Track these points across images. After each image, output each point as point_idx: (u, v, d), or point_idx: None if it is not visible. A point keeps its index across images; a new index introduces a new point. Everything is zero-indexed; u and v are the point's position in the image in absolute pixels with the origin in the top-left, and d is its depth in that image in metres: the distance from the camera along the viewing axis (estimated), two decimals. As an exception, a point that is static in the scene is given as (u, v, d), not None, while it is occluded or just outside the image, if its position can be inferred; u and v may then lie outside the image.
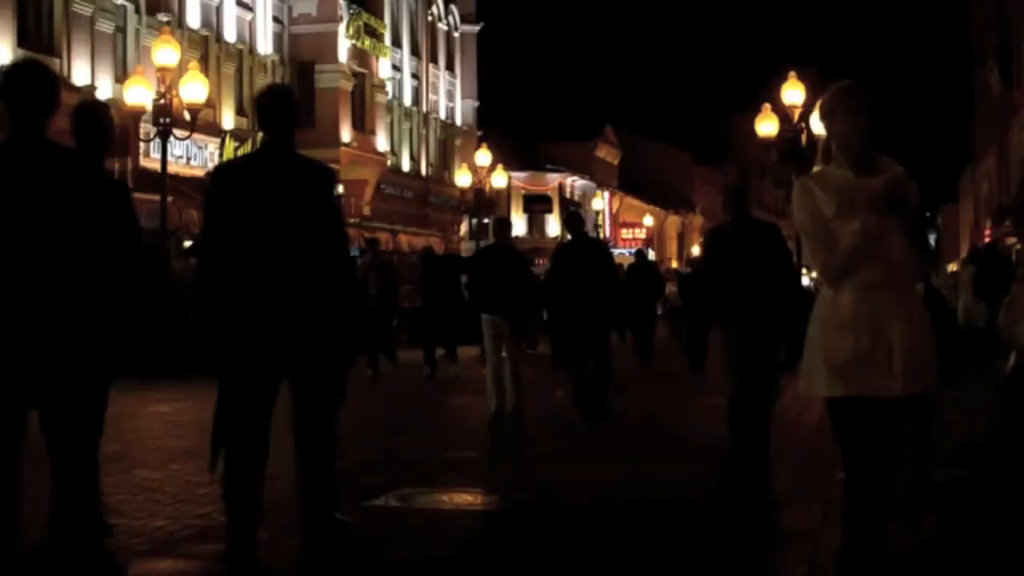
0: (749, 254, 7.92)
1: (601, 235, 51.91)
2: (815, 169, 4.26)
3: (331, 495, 5.31)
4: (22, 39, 22.58)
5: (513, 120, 55.36)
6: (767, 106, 23.11)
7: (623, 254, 40.69)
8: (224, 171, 5.49)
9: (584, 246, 11.26)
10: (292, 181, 5.07)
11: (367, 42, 35.88)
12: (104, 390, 4.81)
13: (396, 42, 40.32)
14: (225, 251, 5.00)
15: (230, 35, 30.81)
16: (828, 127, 4.14)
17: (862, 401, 3.99)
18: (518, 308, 11.16)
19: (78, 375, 4.06)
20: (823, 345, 4.05)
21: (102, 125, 5.28)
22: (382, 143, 38.11)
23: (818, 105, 4.22)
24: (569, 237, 11.65)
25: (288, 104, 5.22)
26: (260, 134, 5.49)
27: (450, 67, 46.15)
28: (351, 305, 5.34)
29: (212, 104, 27.33)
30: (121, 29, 26.20)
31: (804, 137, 21.99)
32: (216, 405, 5.15)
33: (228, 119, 30.17)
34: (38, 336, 3.97)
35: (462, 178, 35.30)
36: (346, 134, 34.64)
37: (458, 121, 46.50)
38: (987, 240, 30.67)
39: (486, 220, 36.83)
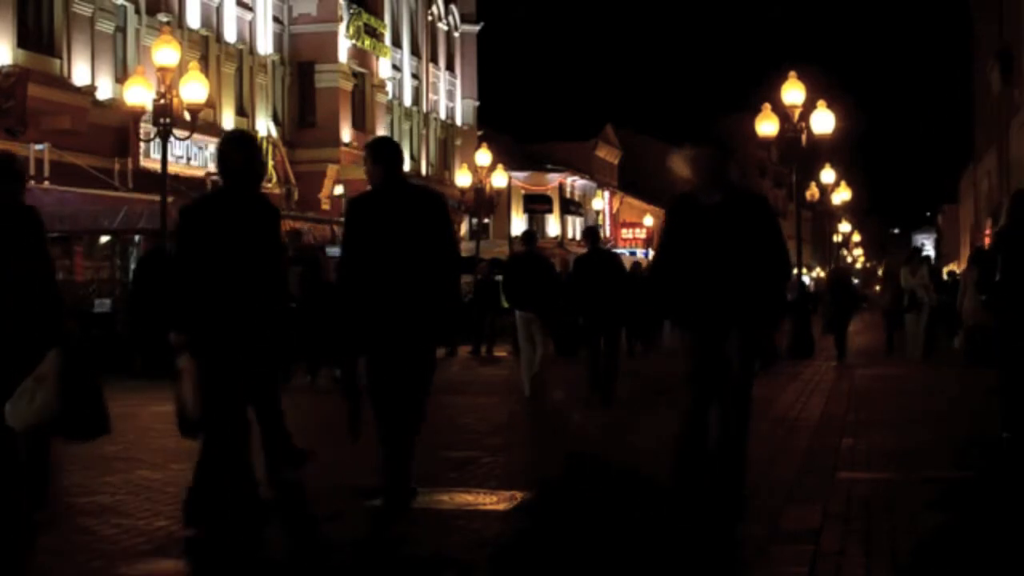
0: (729, 234, 6.26)
1: (601, 235, 51.96)
2: None
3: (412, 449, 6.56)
4: (22, 39, 22.59)
5: (513, 120, 55.47)
6: (767, 106, 23.09)
7: (624, 254, 40.68)
8: (359, 200, 6.81)
9: (598, 257, 12.89)
10: (410, 206, 6.45)
11: (367, 42, 35.88)
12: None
13: (396, 42, 40.32)
14: (362, 262, 6.33)
15: (230, 35, 30.80)
16: None
17: None
18: (547, 306, 12.97)
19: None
20: None
21: (257, 157, 6.16)
22: (382, 143, 38.06)
23: None
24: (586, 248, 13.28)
25: (398, 148, 6.75)
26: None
27: (450, 67, 46.16)
28: (454, 302, 6.85)
29: (212, 104, 27.33)
30: (121, 29, 26.21)
31: (804, 137, 22.00)
32: (343, 386, 6.75)
33: (228, 119, 30.16)
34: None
35: (462, 178, 35.28)
36: (346, 134, 34.63)
37: (458, 121, 46.51)
38: (988, 240, 30.65)
39: (486, 220, 36.83)
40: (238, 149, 5.88)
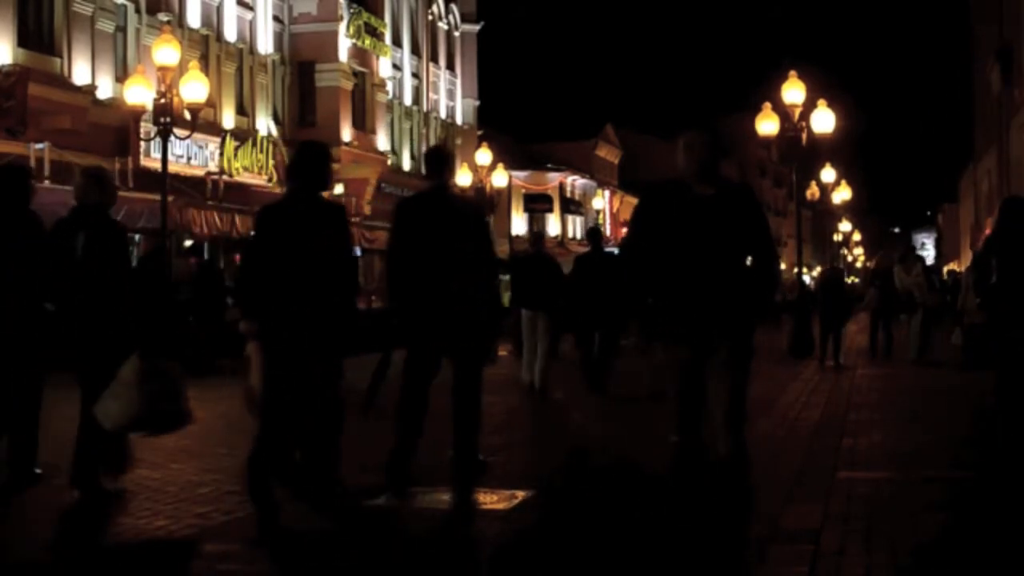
0: (725, 229, 5.73)
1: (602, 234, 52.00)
2: None
3: (476, 438, 7.55)
4: (22, 38, 22.58)
5: (513, 120, 55.42)
6: (767, 105, 23.09)
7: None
8: (406, 204, 7.50)
9: (599, 258, 13.50)
10: (454, 213, 7.26)
11: (367, 41, 35.87)
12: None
13: (396, 41, 40.31)
14: (409, 262, 7.05)
15: (230, 34, 30.80)
16: None
17: None
18: (552, 305, 13.32)
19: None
20: None
21: (329, 164, 6.43)
22: (383, 142, 38.10)
23: None
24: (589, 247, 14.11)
25: (450, 158, 7.70)
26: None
27: (450, 66, 46.14)
28: (494, 300, 7.57)
29: (212, 103, 27.32)
30: (121, 29, 26.20)
31: (804, 136, 21.99)
32: (377, 365, 7.41)
33: (228, 118, 30.16)
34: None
35: (462, 177, 35.27)
36: (346, 133, 34.63)
37: (458, 120, 46.49)
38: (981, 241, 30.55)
39: (487, 220, 36.65)
40: (314, 154, 6.34)
